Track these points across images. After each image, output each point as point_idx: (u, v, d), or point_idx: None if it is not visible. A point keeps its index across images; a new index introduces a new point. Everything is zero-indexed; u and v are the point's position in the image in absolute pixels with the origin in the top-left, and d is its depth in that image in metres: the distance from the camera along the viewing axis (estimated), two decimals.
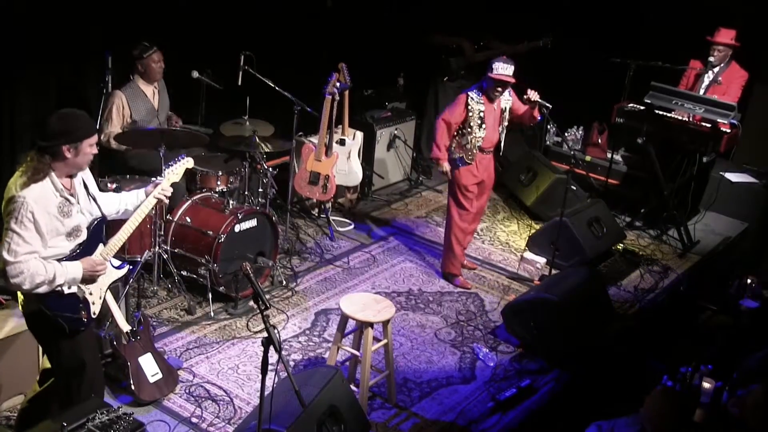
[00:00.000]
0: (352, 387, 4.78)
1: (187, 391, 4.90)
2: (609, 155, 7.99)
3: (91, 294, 3.91)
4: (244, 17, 7.10)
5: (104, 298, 4.04)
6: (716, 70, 7.23)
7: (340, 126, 7.13)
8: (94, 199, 3.92)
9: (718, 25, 7.18)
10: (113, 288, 4.83)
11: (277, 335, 3.57)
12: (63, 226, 3.71)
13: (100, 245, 3.93)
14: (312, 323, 5.75)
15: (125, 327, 4.63)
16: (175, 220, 5.71)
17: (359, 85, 7.50)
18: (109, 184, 5.64)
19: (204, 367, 5.16)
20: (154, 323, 5.45)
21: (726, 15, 7.40)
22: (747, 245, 7.50)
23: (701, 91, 7.26)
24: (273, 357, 3.72)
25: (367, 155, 7.79)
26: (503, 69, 5.82)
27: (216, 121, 6.51)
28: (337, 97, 6.73)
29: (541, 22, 8.37)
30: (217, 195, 5.96)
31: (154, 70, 5.91)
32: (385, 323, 4.84)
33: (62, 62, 6.08)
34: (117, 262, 4.08)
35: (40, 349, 4.62)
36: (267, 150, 6.11)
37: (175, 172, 4.20)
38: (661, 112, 7.21)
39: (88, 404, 4.18)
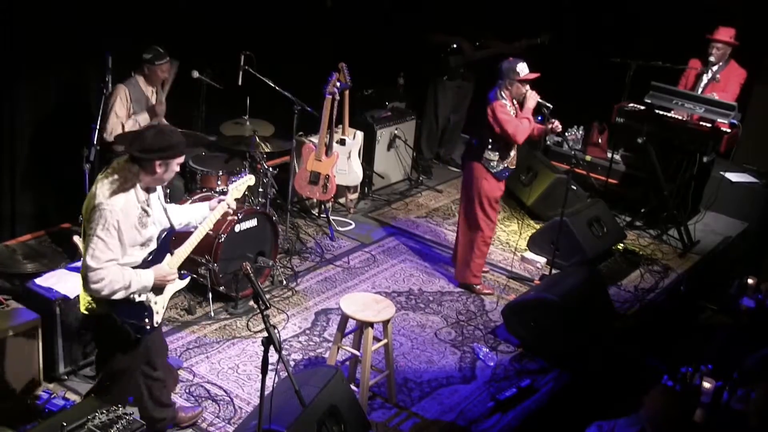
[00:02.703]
0: (353, 387, 4.78)
1: (187, 390, 4.90)
2: (609, 155, 7.99)
3: (155, 303, 3.99)
4: (244, 17, 7.11)
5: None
6: (715, 68, 7.23)
7: (341, 126, 7.13)
8: (166, 211, 4.03)
9: (718, 25, 7.18)
10: None
11: (277, 335, 3.57)
12: (140, 236, 3.81)
13: (168, 255, 4.02)
14: (312, 323, 5.75)
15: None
16: None
17: (359, 84, 7.49)
18: None
19: (204, 366, 5.15)
20: None
21: (726, 14, 7.40)
22: (747, 245, 7.50)
23: (700, 90, 7.26)
24: (273, 357, 3.72)
25: (368, 155, 7.79)
26: (526, 68, 5.76)
27: (216, 121, 6.51)
28: (338, 97, 6.73)
29: (540, 20, 8.38)
30: (217, 195, 5.96)
31: (158, 78, 5.96)
32: (386, 323, 4.84)
33: (62, 62, 6.08)
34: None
35: (41, 349, 4.63)
36: (267, 150, 6.11)
37: (238, 188, 4.33)
38: (661, 112, 7.21)
39: (88, 404, 4.18)
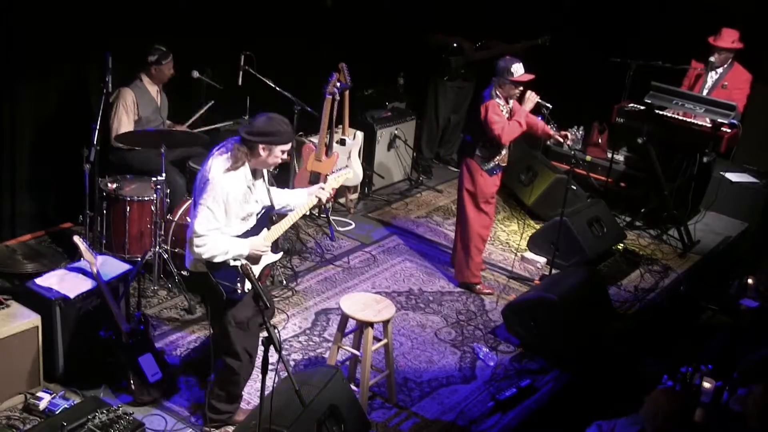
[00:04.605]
0: (353, 387, 4.78)
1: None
2: (609, 155, 7.99)
3: None
4: (244, 17, 7.10)
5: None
6: (720, 71, 7.22)
7: (341, 126, 7.13)
8: (269, 192, 4.39)
9: (718, 25, 7.16)
10: (113, 287, 4.87)
11: (278, 335, 3.58)
12: (242, 210, 4.19)
13: (264, 230, 4.36)
14: (312, 323, 5.75)
15: (125, 327, 4.64)
16: (176, 220, 5.71)
17: (359, 84, 7.49)
18: (109, 184, 5.65)
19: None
20: (154, 323, 5.45)
21: (726, 15, 7.39)
22: (747, 245, 7.50)
23: (704, 92, 7.25)
24: (273, 357, 3.72)
25: (368, 155, 7.79)
26: (521, 69, 5.76)
27: (216, 121, 6.51)
28: (338, 97, 6.73)
29: (540, 21, 8.38)
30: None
31: (165, 76, 6.05)
32: (386, 323, 4.84)
33: (62, 62, 6.08)
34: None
35: (41, 349, 4.63)
36: None
37: (337, 179, 4.67)
38: (661, 112, 7.21)
39: (88, 403, 4.20)
